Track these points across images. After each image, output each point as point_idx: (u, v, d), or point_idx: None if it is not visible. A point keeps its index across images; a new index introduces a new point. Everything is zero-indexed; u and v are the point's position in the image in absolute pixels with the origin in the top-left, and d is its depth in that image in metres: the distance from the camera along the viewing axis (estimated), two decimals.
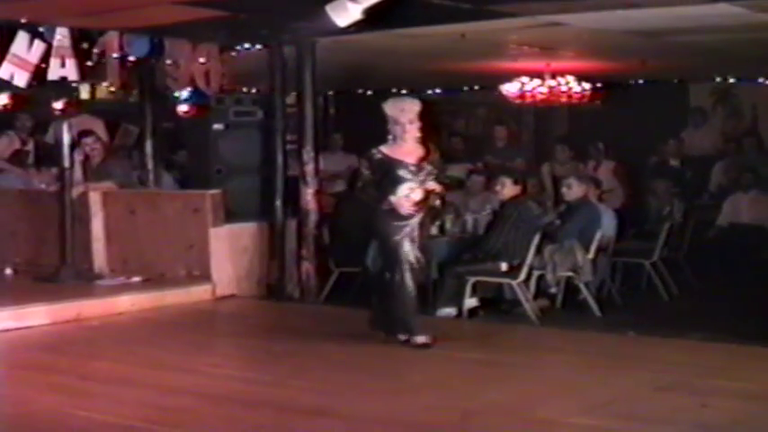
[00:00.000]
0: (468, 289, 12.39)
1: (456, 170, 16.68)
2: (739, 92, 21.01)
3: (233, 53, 13.81)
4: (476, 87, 21.38)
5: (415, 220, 9.99)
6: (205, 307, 12.51)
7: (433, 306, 12.41)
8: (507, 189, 13.03)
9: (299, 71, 13.33)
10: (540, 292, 12.96)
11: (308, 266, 13.29)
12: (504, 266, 12.47)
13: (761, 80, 19.81)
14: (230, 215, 13.08)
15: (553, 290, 12.96)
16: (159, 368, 9.35)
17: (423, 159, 10.03)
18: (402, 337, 10.01)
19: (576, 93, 17.54)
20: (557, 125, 21.97)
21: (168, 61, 13.43)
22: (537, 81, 17.24)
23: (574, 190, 13.58)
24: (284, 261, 13.32)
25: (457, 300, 12.38)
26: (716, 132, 20.53)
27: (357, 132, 18.76)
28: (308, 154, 13.27)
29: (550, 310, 12.91)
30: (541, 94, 17.29)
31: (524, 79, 17.27)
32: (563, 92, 17.42)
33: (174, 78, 13.54)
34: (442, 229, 13.44)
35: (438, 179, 10.19)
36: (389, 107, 10.13)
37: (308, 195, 13.24)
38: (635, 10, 11.46)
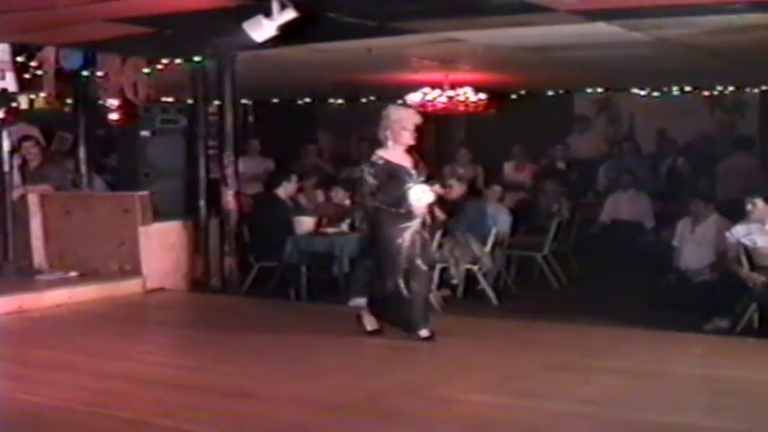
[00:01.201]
0: None
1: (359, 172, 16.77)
2: (618, 101, 21.29)
3: (159, 66, 13.75)
4: (380, 98, 21.44)
5: (418, 222, 9.64)
6: (136, 299, 12.43)
7: (346, 297, 12.42)
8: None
9: (219, 82, 13.31)
10: (443, 282, 13.02)
11: (230, 261, 13.27)
12: None
13: (636, 91, 20.12)
14: (158, 215, 13.00)
15: (455, 281, 13.04)
16: (94, 355, 9.27)
17: (415, 166, 9.70)
18: (424, 333, 9.68)
19: (473, 102, 17.61)
20: (456, 131, 22.10)
21: (100, 73, 13.35)
22: (437, 92, 17.29)
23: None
24: (208, 257, 13.30)
25: (368, 291, 12.38)
26: (598, 138, 20.74)
27: (273, 138, 18.82)
28: (228, 158, 13.25)
29: (452, 299, 12.97)
30: (441, 103, 17.34)
31: (426, 90, 17.31)
32: (461, 101, 17.49)
33: (104, 89, 13.47)
34: (352, 227, 13.47)
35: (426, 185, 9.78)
36: (394, 113, 9.85)
37: (229, 196, 13.22)
38: (525, 28, 11.56)
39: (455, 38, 12.56)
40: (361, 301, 12.09)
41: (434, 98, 17.30)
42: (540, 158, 18.99)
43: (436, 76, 16.68)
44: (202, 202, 13.40)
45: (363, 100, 21.94)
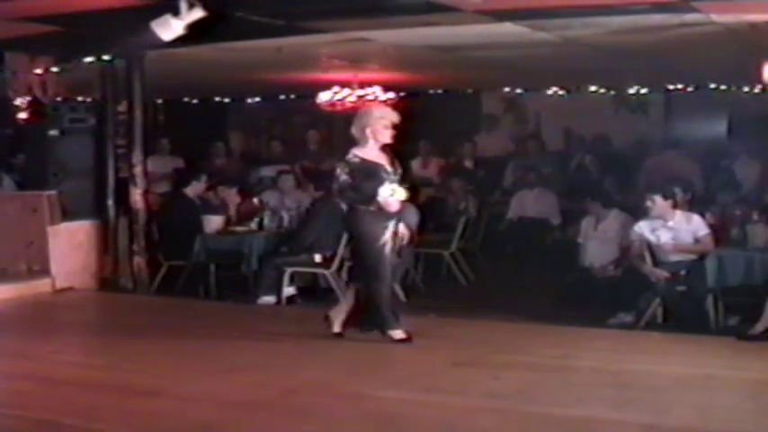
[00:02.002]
0: (286, 279, 12.43)
1: (268, 171, 16.80)
2: (525, 101, 21.48)
3: (68, 64, 13.62)
4: (292, 96, 21.45)
5: (394, 221, 9.51)
6: (45, 299, 12.32)
7: (255, 295, 12.44)
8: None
9: (128, 81, 13.23)
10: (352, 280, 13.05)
11: (139, 260, 13.20)
12: (318, 258, 12.55)
13: (543, 90, 20.32)
14: (66, 214, 12.91)
15: None
16: (3, 356, 9.19)
17: (391, 164, 9.58)
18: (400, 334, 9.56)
19: (382, 102, 17.65)
20: None
21: (8, 72, 13.21)
22: (347, 91, 17.31)
23: None
24: (117, 256, 13.22)
25: (276, 289, 12.41)
26: (505, 136, 20.91)
27: (183, 137, 18.72)
28: (137, 157, 13.18)
29: None
30: (351, 102, 17.37)
31: (335, 89, 17.33)
32: (370, 101, 17.52)
33: (13, 88, 13.32)
34: (260, 225, 13.48)
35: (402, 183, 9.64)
36: (377, 110, 9.87)
37: (137, 195, 13.15)
38: (432, 28, 11.64)
39: (364, 37, 12.61)
40: (270, 299, 12.12)
41: (344, 97, 17.32)
42: (449, 157, 19.10)
43: (346, 75, 16.71)
44: (111, 202, 13.31)
45: (274, 99, 21.93)
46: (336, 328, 9.79)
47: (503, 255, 15.48)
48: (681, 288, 11.29)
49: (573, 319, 10.98)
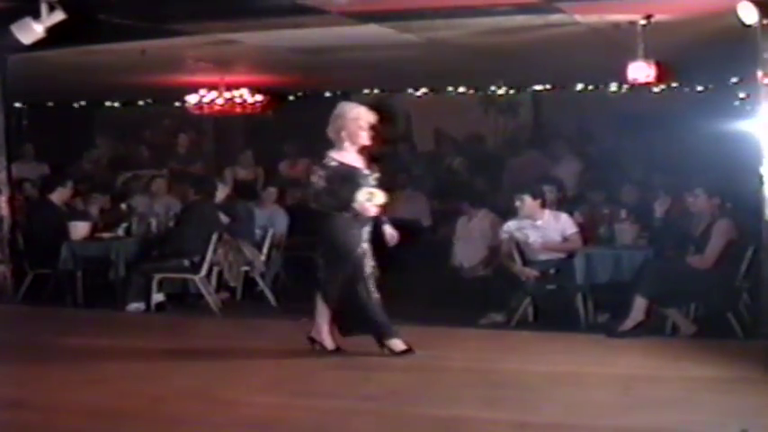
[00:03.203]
0: (155, 285, 12.31)
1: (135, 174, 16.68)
2: (395, 102, 21.54)
3: None
4: (160, 100, 21.24)
5: (368, 227, 9.26)
6: None
7: (123, 302, 12.29)
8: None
9: None
10: (221, 285, 12.99)
11: (3, 269, 12.92)
12: (186, 263, 12.45)
13: (412, 91, 20.42)
14: None
15: (233, 284, 13.01)
16: None
17: (368, 167, 9.31)
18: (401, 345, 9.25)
19: (250, 104, 17.60)
20: (236, 133, 22.01)
21: None
22: (214, 93, 17.22)
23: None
24: None
25: (145, 295, 12.28)
26: (375, 138, 20.93)
27: (49, 143, 18.42)
28: (0, 163, 12.91)
29: (231, 301, 12.94)
30: (218, 105, 17.29)
31: (203, 92, 17.22)
32: (238, 103, 17.45)
33: None
34: (128, 231, 13.34)
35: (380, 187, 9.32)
36: (350, 111, 9.38)
37: (2, 202, 12.89)
38: (298, 30, 11.63)
39: (230, 39, 12.56)
40: (139, 306, 11.98)
41: (212, 100, 17.23)
42: (317, 159, 19.06)
43: (212, 78, 16.62)
44: None
45: (141, 103, 21.71)
46: (330, 346, 9.40)
47: (378, 257, 15.48)
48: (550, 287, 11.45)
49: (444, 320, 11.05)
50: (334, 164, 9.19)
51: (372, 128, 9.35)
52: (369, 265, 9.29)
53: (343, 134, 9.26)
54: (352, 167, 9.22)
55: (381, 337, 9.23)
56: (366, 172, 9.25)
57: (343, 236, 9.16)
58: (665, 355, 9.49)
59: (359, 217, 9.10)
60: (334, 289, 9.31)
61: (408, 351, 9.18)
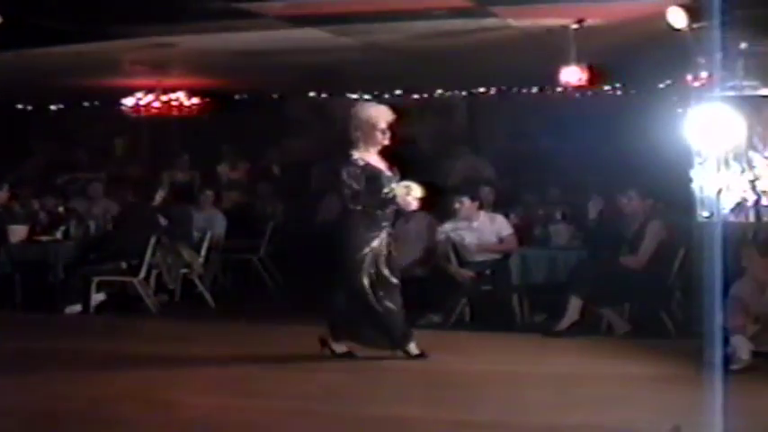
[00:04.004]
0: (94, 287, 12.24)
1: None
2: (332, 105, 21.52)
3: None
4: (96, 103, 21.07)
5: (386, 233, 9.07)
6: None
7: (62, 305, 12.20)
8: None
9: None
10: (160, 287, 12.93)
11: None
12: (124, 266, 12.38)
13: (349, 95, 20.40)
14: None
15: (171, 286, 12.96)
16: None
17: (389, 168, 9.11)
18: (414, 349, 9.08)
19: (187, 107, 17.53)
20: (173, 136, 21.89)
21: None
22: (151, 96, 17.12)
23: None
24: None
25: (83, 298, 12.20)
26: (312, 141, 20.93)
27: None
28: None
29: (170, 303, 12.89)
30: (155, 108, 17.19)
31: (139, 95, 17.12)
32: (174, 106, 17.37)
33: None
34: (66, 234, 13.24)
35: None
36: (362, 111, 9.19)
37: None
38: (236, 33, 11.61)
39: (167, 42, 12.50)
40: (77, 308, 11.89)
41: (148, 103, 17.14)
42: (256, 161, 19.05)
43: (150, 80, 16.52)
44: None
45: (79, 106, 21.54)
46: (340, 348, 9.23)
47: (312, 259, 15.48)
48: (486, 287, 11.52)
49: None
50: (362, 164, 8.98)
51: (390, 128, 9.13)
52: (371, 267, 9.01)
53: (359, 134, 9.08)
54: (376, 169, 9.03)
55: (393, 346, 9.09)
56: (388, 174, 9.06)
57: (352, 235, 8.98)
58: (601, 354, 9.59)
59: (381, 220, 8.95)
60: (340, 293, 9.17)
61: (421, 355, 9.06)
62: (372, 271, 8.97)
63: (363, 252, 8.93)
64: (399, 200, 8.90)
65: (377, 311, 8.97)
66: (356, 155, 9.02)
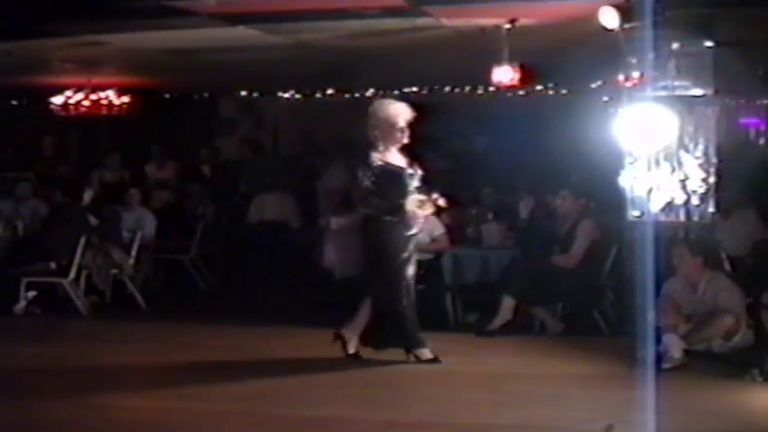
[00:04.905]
0: (23, 288, 12.09)
1: None
2: (263, 104, 21.48)
3: None
4: (24, 101, 20.86)
5: (415, 234, 9.01)
6: None
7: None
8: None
9: None
10: (91, 288, 12.80)
11: None
12: (53, 266, 12.24)
13: (281, 93, 20.37)
14: None
15: (102, 287, 12.84)
16: None
17: (410, 165, 8.97)
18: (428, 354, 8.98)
19: (117, 105, 17.39)
20: (104, 135, 21.71)
21: None
22: (81, 95, 16.97)
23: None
24: None
25: (11, 299, 12.05)
26: (243, 140, 20.88)
27: None
28: None
29: (101, 304, 12.76)
30: (84, 106, 17.04)
31: (69, 93, 16.96)
32: (104, 104, 17.23)
33: None
34: None
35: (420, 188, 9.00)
36: (385, 109, 9.03)
37: None
38: (167, 31, 11.53)
39: (97, 41, 12.38)
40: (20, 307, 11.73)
41: (77, 101, 16.98)
42: (186, 161, 18.93)
43: (80, 78, 16.38)
44: None
45: (6, 104, 21.30)
46: (352, 349, 9.14)
47: (244, 258, 15.42)
48: (419, 287, 11.49)
49: (315, 321, 11.03)
50: (379, 164, 8.87)
51: (409, 126, 9.00)
52: (410, 273, 8.99)
53: (377, 133, 8.95)
54: (397, 167, 8.92)
55: (411, 347, 9.01)
56: (410, 171, 8.94)
57: (388, 239, 8.88)
58: (534, 353, 9.64)
59: (405, 223, 8.85)
60: (381, 295, 9.04)
61: (435, 360, 8.97)
62: (411, 274, 8.98)
63: (403, 256, 8.90)
64: (409, 213, 8.81)
65: (408, 317, 8.94)
66: (375, 154, 8.90)
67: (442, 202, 9.05)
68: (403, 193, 8.83)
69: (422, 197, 8.88)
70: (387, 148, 8.94)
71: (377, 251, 8.97)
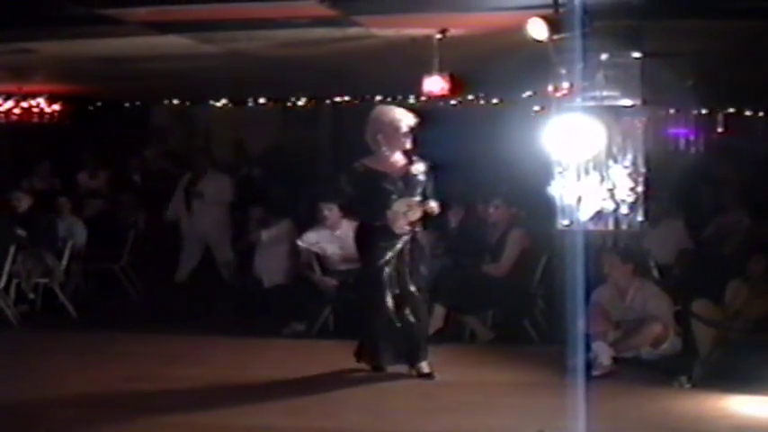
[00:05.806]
0: None
1: None
2: (195, 113, 21.37)
3: None
4: None
5: (402, 243, 8.78)
6: None
7: None
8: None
9: None
10: (21, 298, 12.64)
11: None
12: None
13: (213, 102, 20.29)
14: None
15: (31, 295, 12.69)
16: None
17: (408, 170, 8.88)
18: (425, 368, 8.85)
19: (48, 113, 17.23)
20: (35, 143, 21.47)
21: None
22: (11, 102, 16.79)
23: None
24: None
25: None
26: (175, 149, 20.76)
27: None
28: None
29: (31, 314, 12.59)
30: (15, 114, 16.87)
31: None
32: (35, 112, 17.07)
33: None
34: None
35: (425, 191, 8.94)
36: (389, 114, 9.00)
37: None
38: (97, 39, 11.43)
39: (27, 48, 12.24)
40: None
41: (7, 109, 16.79)
42: (117, 169, 18.76)
43: (9, 86, 16.19)
44: None
45: None
46: (374, 362, 9.06)
47: (175, 268, 15.32)
48: (350, 296, 11.47)
49: (248, 330, 11.00)
50: (360, 170, 8.85)
51: (412, 130, 8.99)
52: (394, 284, 8.83)
53: (380, 138, 8.89)
54: (379, 173, 8.84)
55: (411, 361, 8.94)
56: (397, 179, 8.83)
57: (370, 245, 8.82)
58: (465, 361, 9.65)
59: (385, 229, 8.74)
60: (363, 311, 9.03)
61: (429, 375, 8.84)
62: (397, 291, 8.84)
63: (379, 263, 8.75)
64: (390, 213, 8.72)
65: (397, 328, 8.83)
66: (362, 161, 8.89)
67: (434, 207, 8.96)
68: (384, 198, 8.75)
69: (411, 201, 8.82)
70: (384, 154, 8.91)
71: (361, 256, 9.03)
